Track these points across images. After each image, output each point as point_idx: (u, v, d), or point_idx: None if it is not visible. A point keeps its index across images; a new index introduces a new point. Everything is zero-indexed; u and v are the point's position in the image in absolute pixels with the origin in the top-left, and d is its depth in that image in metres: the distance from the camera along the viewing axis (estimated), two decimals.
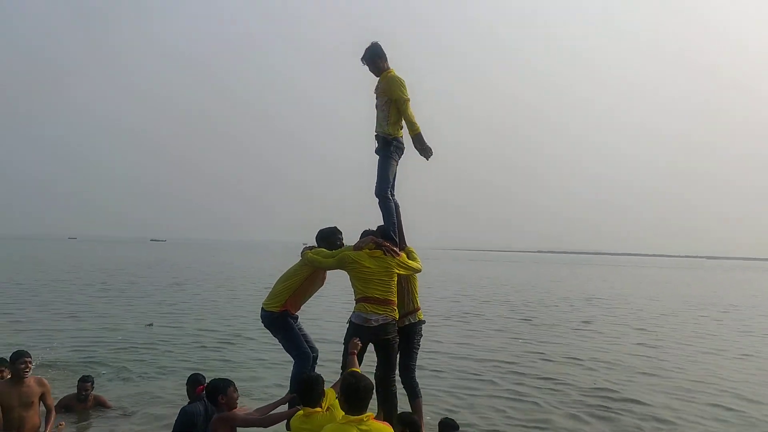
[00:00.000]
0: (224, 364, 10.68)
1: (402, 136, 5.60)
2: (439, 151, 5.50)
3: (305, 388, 4.14)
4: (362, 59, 5.67)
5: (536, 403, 8.56)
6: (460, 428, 6.51)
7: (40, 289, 23.75)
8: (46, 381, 6.26)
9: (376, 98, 5.65)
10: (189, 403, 6.23)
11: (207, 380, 6.03)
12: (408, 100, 5.48)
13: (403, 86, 5.50)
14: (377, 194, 5.53)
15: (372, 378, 5.27)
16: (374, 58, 5.61)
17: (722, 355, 13.57)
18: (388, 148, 5.51)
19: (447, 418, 6.63)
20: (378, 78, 5.65)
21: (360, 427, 3.55)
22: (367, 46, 5.66)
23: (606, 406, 8.37)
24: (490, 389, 9.40)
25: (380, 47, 5.65)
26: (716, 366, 12.02)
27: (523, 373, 10.63)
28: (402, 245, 5.66)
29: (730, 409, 8.47)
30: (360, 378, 3.79)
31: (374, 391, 5.24)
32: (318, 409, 4.08)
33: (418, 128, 5.44)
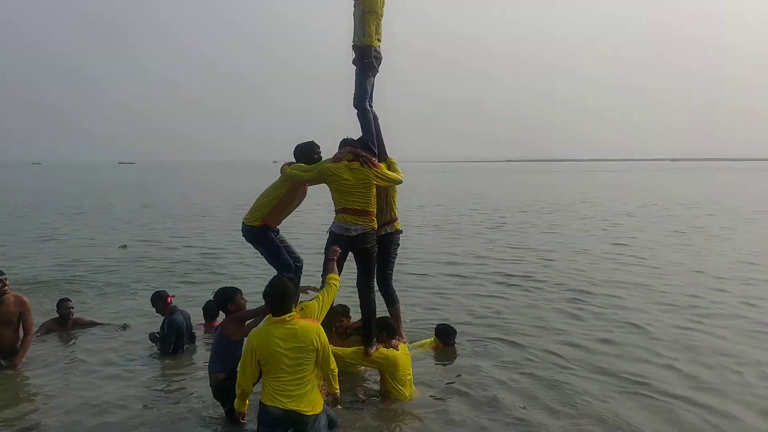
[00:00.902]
0: (211, 275, 10.82)
1: (379, 46, 5.44)
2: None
3: (282, 295, 3.99)
4: None
5: (522, 297, 9.04)
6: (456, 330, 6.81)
7: (10, 215, 23.34)
8: (26, 300, 6.21)
9: (354, 7, 5.42)
10: (169, 315, 6.45)
11: (170, 294, 6.62)
12: (377, 14, 5.31)
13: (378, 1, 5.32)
14: (355, 105, 5.47)
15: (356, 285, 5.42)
16: None
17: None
18: (363, 58, 5.36)
19: (444, 323, 6.89)
20: None
21: (285, 326, 3.85)
22: None
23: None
24: (471, 288, 9.84)
25: None
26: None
27: (504, 272, 11.10)
28: (382, 156, 5.61)
29: None
30: (282, 283, 3.97)
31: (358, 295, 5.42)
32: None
33: (370, 41, 5.30)
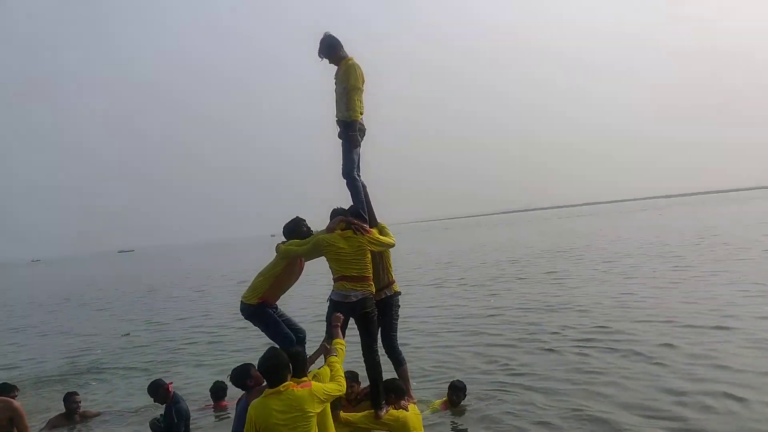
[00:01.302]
0: (214, 348, 10.78)
1: (361, 119, 5.71)
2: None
3: (276, 366, 3.99)
4: (319, 54, 5.73)
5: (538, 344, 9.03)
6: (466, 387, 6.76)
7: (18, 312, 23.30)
8: (16, 404, 5.93)
9: (336, 84, 5.72)
10: (174, 403, 6.36)
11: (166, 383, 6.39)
12: (360, 89, 5.60)
13: (359, 76, 5.60)
14: (344, 175, 5.64)
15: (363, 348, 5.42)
16: (330, 50, 5.69)
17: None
18: (348, 132, 5.61)
19: (456, 380, 6.88)
20: (339, 66, 5.72)
21: (280, 397, 3.88)
22: (320, 39, 5.72)
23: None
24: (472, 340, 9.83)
25: (333, 37, 5.72)
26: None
27: (508, 321, 11.06)
28: (373, 222, 5.77)
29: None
30: (274, 354, 4.03)
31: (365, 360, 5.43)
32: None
33: (355, 116, 5.57)
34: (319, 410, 3.99)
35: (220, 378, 7.71)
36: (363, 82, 5.64)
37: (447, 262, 28.80)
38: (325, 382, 4.29)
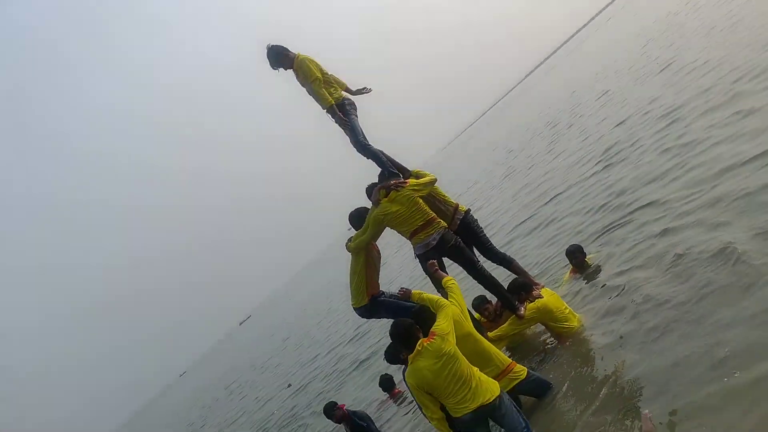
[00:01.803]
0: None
1: (343, 96, 5.98)
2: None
3: (402, 333, 4.43)
4: (272, 67, 5.96)
5: None
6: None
7: None
8: None
9: (304, 87, 5.97)
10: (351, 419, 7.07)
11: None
12: (319, 79, 5.81)
13: (311, 67, 5.80)
14: (357, 149, 5.93)
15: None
16: (278, 58, 5.91)
17: None
18: (334, 118, 5.91)
19: (569, 246, 6.91)
20: (294, 70, 5.93)
21: (422, 355, 4.18)
22: (266, 53, 5.94)
23: None
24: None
25: (275, 46, 5.93)
26: None
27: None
28: (406, 173, 6.00)
29: None
30: (397, 324, 4.43)
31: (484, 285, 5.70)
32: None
33: (328, 102, 5.82)
34: (453, 341, 4.23)
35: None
36: (318, 67, 5.85)
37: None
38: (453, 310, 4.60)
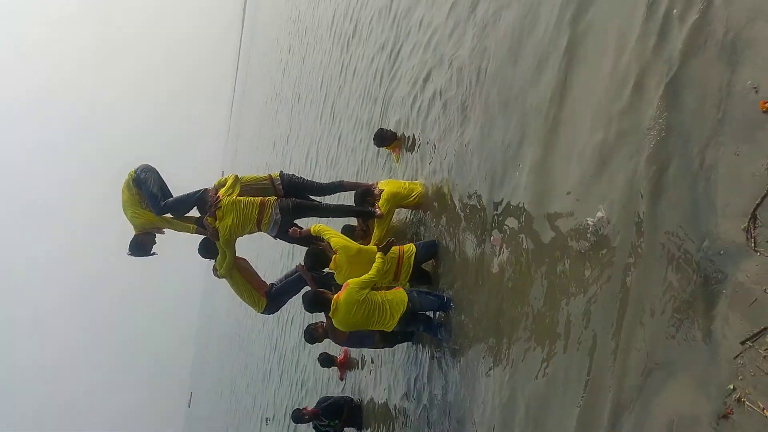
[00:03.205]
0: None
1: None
2: None
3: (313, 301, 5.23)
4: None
5: None
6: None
7: None
8: None
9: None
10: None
11: None
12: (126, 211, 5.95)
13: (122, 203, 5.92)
14: (160, 213, 5.98)
15: None
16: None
17: None
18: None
19: (376, 131, 7.24)
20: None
21: (337, 310, 5.01)
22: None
23: None
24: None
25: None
26: None
27: None
28: (208, 192, 5.99)
29: None
30: (306, 298, 5.29)
31: None
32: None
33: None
34: (364, 294, 4.96)
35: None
36: (127, 201, 5.90)
37: None
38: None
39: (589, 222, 3.45)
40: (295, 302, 10.99)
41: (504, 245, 4.45)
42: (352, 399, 7.60)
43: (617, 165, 3.30)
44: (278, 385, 14.53)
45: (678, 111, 2.94)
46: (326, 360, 8.53)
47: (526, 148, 4.31)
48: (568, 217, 3.70)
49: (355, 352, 8.21)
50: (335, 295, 5.07)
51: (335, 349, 8.81)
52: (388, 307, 4.99)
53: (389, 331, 5.17)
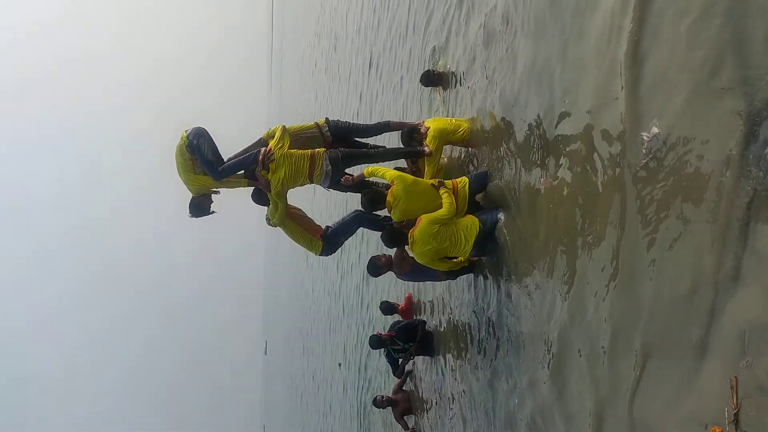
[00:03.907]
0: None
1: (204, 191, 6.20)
2: None
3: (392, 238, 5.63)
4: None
5: None
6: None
7: None
8: None
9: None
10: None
11: None
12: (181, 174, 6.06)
13: (177, 165, 6.02)
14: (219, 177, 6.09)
15: None
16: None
17: None
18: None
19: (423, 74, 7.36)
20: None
21: (414, 244, 5.36)
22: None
23: None
24: None
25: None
26: None
27: None
28: (256, 146, 6.12)
29: None
30: (384, 237, 5.76)
31: None
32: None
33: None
34: (437, 228, 5.17)
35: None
36: (181, 165, 5.99)
37: None
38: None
39: (644, 137, 3.33)
40: (351, 248, 11.30)
41: (553, 184, 4.41)
42: (425, 322, 7.67)
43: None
44: (346, 328, 15.04)
45: None
46: (388, 308, 8.63)
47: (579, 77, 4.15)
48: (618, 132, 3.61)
49: (417, 294, 8.35)
50: (410, 230, 5.33)
51: (395, 295, 8.99)
52: (462, 233, 5.19)
53: (465, 257, 5.39)
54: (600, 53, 3.83)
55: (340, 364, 16.07)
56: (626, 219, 3.52)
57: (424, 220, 5.24)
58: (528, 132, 4.89)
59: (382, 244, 5.95)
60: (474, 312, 6.03)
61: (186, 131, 5.96)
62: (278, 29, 46.33)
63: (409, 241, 5.34)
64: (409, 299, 8.48)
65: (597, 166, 3.86)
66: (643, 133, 3.34)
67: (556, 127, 4.42)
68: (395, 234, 5.59)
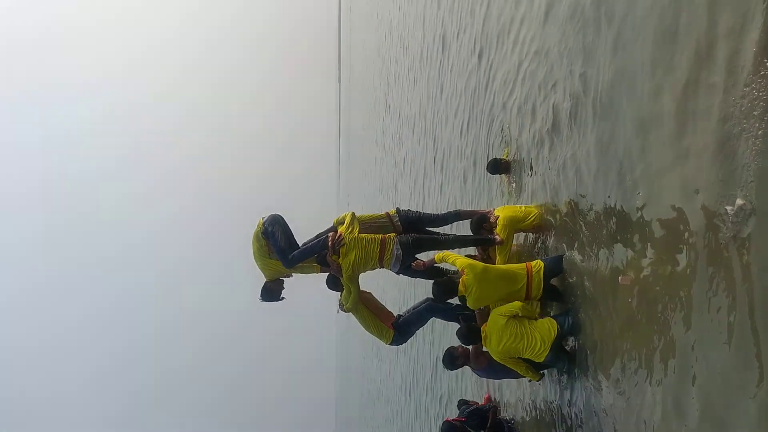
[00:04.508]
0: None
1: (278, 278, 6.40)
2: None
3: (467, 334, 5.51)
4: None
5: None
6: None
7: None
8: None
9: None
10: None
11: None
12: (258, 260, 6.24)
13: (254, 251, 6.21)
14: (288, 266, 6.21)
15: None
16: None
17: None
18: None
19: (489, 162, 7.39)
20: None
21: (488, 341, 5.25)
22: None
23: None
24: None
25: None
26: None
27: None
28: (327, 234, 6.12)
29: None
30: (461, 331, 5.63)
31: None
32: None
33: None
34: (506, 320, 5.05)
35: None
36: (257, 251, 6.18)
37: None
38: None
39: (728, 210, 3.15)
40: (422, 340, 11.01)
41: (632, 281, 4.23)
42: (497, 407, 7.23)
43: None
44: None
45: None
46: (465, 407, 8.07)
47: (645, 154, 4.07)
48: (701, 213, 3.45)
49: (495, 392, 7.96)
50: (482, 325, 5.25)
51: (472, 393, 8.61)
52: (538, 335, 4.96)
53: (540, 361, 5.10)
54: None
55: None
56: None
57: (493, 311, 5.16)
58: (597, 220, 4.77)
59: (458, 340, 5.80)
60: (557, 407, 5.67)
61: (263, 218, 6.17)
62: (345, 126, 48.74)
63: (482, 336, 5.22)
64: (488, 400, 8.06)
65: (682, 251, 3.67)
66: (727, 207, 3.18)
67: (634, 213, 4.28)
68: (471, 331, 5.46)
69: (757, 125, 3.00)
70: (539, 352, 4.96)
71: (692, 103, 3.56)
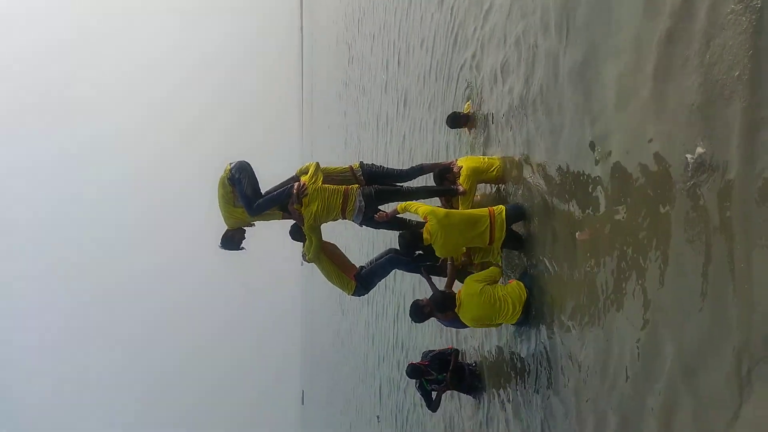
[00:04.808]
0: None
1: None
2: None
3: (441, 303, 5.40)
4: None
5: None
6: None
7: None
8: None
9: None
10: None
11: None
12: (221, 201, 6.11)
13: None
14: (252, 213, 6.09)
15: None
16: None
17: None
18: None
19: (449, 115, 7.28)
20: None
21: (461, 306, 5.26)
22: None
23: None
24: None
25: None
26: None
27: None
28: (291, 182, 6.11)
29: None
30: (436, 301, 5.44)
31: None
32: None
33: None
34: (481, 286, 5.12)
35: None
36: (222, 197, 6.07)
37: None
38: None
39: (689, 159, 3.17)
40: (385, 290, 11.11)
41: (589, 236, 4.28)
42: (458, 351, 7.29)
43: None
44: (383, 374, 14.73)
45: None
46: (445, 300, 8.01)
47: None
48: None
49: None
50: (457, 291, 5.27)
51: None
52: (509, 299, 5.08)
53: (513, 323, 5.25)
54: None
55: (378, 417, 15.70)
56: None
57: (467, 280, 5.27)
58: (558, 172, 4.79)
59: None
60: (518, 354, 5.81)
61: (230, 164, 6.03)
62: (308, 65, 47.72)
63: (457, 302, 5.26)
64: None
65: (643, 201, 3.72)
66: (687, 155, 3.20)
67: (594, 166, 4.30)
68: (445, 299, 5.38)
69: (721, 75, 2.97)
70: (512, 315, 5.09)
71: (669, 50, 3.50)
